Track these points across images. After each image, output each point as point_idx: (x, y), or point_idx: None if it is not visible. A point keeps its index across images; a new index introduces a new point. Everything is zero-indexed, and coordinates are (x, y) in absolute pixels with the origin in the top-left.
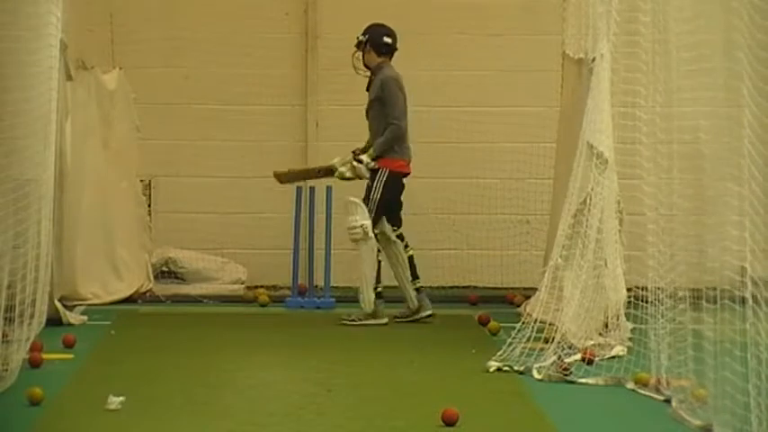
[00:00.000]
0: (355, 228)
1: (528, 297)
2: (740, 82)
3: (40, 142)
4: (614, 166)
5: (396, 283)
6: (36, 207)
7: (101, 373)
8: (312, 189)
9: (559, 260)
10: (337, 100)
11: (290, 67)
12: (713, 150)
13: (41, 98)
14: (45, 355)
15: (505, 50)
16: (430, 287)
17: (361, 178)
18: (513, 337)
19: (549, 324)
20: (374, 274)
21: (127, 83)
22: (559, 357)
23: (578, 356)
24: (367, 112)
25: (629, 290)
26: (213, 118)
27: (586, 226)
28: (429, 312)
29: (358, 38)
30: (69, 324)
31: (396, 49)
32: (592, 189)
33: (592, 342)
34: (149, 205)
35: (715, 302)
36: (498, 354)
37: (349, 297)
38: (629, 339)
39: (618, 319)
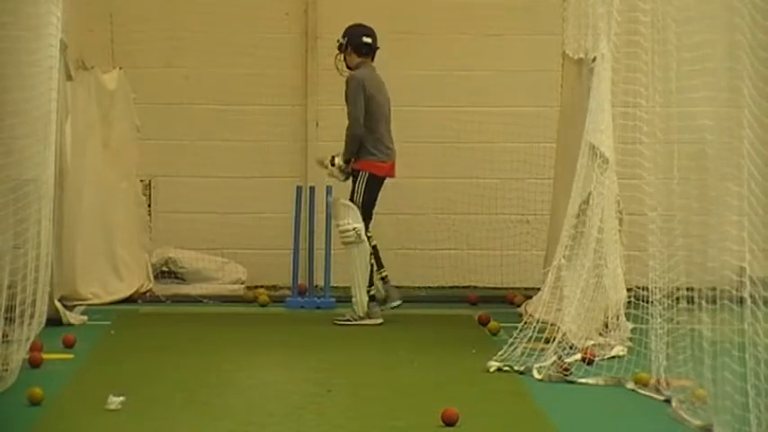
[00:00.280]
0: (348, 231)
1: (528, 297)
2: (741, 82)
3: (40, 142)
4: (614, 166)
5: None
6: (36, 207)
7: (101, 373)
8: (312, 189)
9: (563, 260)
10: (337, 100)
11: (290, 67)
12: (715, 150)
13: (41, 98)
14: (45, 355)
15: (505, 50)
16: (430, 287)
17: (338, 179)
18: (515, 337)
19: (551, 324)
20: (367, 276)
21: (127, 83)
22: (560, 357)
23: (578, 356)
24: None
25: (629, 290)
26: (213, 118)
27: (587, 226)
28: (398, 303)
29: (338, 40)
30: (69, 324)
31: (377, 48)
32: (593, 189)
33: (592, 342)
34: (149, 205)
35: (714, 302)
36: (499, 354)
37: (349, 297)
38: (630, 339)
39: (618, 319)
